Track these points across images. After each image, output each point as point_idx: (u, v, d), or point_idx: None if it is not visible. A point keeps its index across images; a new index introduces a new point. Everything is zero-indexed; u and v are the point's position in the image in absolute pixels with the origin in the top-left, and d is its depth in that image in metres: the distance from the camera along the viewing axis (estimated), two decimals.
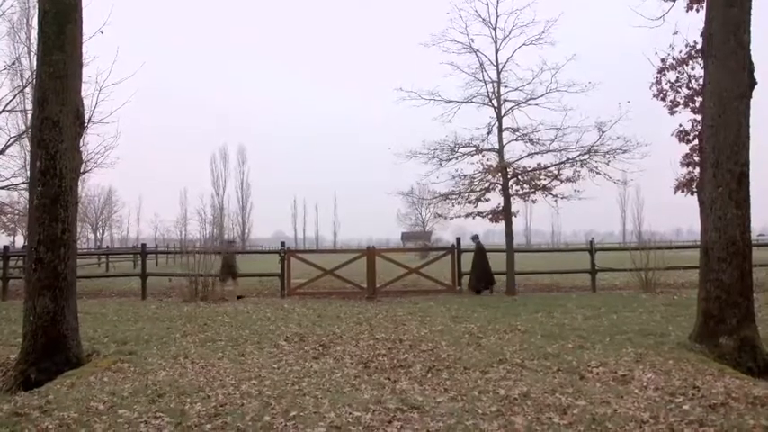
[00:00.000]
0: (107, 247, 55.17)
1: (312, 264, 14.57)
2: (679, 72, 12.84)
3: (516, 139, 14.41)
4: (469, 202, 14.38)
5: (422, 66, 20.01)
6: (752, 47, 6.40)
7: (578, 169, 13.68)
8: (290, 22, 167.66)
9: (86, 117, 7.34)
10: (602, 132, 13.40)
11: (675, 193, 12.68)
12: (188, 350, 7.01)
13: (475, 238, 14.91)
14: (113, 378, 5.60)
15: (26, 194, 16.41)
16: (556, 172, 13.83)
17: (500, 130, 14.17)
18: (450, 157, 14.42)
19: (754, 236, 7.37)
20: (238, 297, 13.46)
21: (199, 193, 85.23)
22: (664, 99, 13.16)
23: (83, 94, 6.73)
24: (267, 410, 4.47)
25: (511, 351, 6.65)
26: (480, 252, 14.23)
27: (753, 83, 6.45)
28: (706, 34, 6.62)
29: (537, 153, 14.11)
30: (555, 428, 4.01)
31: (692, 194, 11.62)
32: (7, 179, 17.26)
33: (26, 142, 17.29)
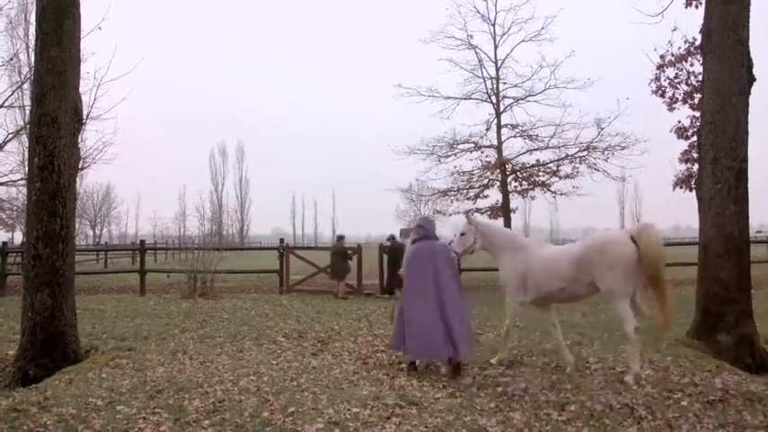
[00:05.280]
0: (106, 243, 55.10)
1: (310, 262, 14.55)
2: (678, 68, 12.83)
3: (515, 136, 14.46)
4: (468, 199, 14.41)
5: (421, 62, 19.98)
6: (750, 43, 6.40)
7: (577, 166, 13.73)
8: (290, 20, 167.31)
9: (85, 113, 7.31)
10: (601, 129, 13.45)
11: (674, 189, 12.69)
12: (186, 346, 7.01)
13: (391, 238, 14.27)
14: (112, 374, 5.60)
15: (24, 190, 16.36)
16: (554, 168, 13.86)
17: (499, 127, 14.18)
18: (449, 153, 14.44)
19: (752, 232, 7.37)
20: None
21: (198, 190, 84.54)
22: (663, 95, 13.15)
23: (81, 89, 6.71)
24: (265, 406, 4.47)
25: (509, 347, 6.65)
26: (396, 252, 12.90)
27: (752, 79, 6.45)
28: (705, 30, 6.61)
29: (536, 149, 14.15)
30: (553, 424, 4.01)
31: (690, 191, 11.64)
32: (5, 175, 17.26)
33: (24, 138, 17.22)
